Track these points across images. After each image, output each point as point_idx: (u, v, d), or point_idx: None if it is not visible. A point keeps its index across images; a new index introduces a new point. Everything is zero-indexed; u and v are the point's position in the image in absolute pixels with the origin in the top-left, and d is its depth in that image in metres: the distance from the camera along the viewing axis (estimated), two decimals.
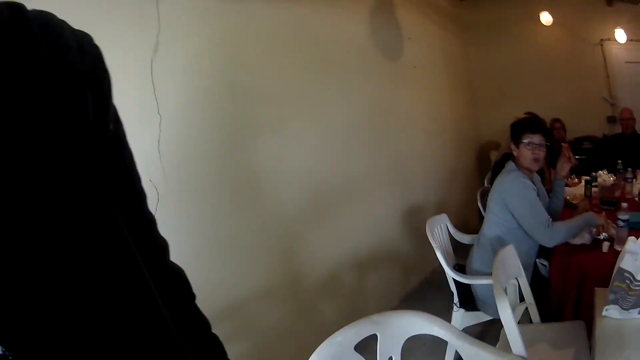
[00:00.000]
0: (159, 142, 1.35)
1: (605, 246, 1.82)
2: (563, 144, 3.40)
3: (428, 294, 2.98)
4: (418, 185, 3.19)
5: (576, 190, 3.01)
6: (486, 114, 4.46)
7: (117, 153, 0.43)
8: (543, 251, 2.04)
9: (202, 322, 0.57)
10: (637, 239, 1.37)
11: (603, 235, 1.87)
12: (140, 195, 0.48)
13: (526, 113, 3.17)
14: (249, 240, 1.73)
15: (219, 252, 1.60)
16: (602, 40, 3.82)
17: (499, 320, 1.42)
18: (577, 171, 3.48)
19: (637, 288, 1.24)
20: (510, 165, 2.04)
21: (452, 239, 2.41)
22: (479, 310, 2.06)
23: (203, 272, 1.40)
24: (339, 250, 2.32)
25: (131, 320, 0.40)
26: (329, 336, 0.99)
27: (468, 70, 4.37)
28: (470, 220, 3.80)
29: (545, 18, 3.70)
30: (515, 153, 2.02)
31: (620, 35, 3.59)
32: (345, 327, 1.02)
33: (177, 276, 0.55)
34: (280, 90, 1.90)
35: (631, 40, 3.63)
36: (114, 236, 0.40)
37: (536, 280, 2.00)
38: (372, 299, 2.65)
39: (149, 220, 0.50)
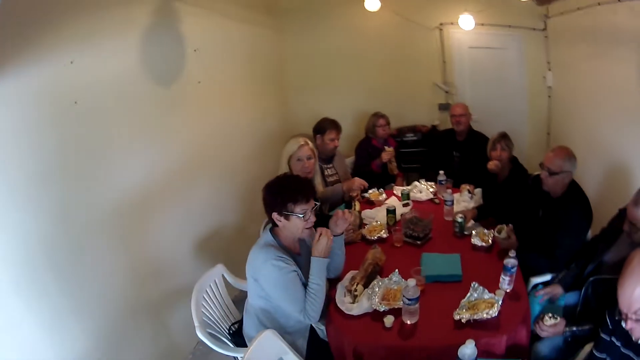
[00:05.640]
0: None
1: (389, 320, 1.56)
2: (387, 147, 2.98)
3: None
4: (209, 210, 2.60)
5: (378, 212, 2.41)
6: (297, 106, 3.86)
7: None
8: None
9: None
10: None
11: (383, 308, 1.61)
12: None
13: (323, 119, 2.70)
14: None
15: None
16: (442, 24, 3.48)
17: None
18: (400, 168, 3.15)
19: None
20: (267, 236, 1.65)
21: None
22: None
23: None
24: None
25: None
26: None
27: (280, 61, 3.74)
28: None
29: (372, 3, 3.12)
30: (279, 224, 1.61)
31: (467, 22, 3.14)
32: None
33: None
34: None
35: (482, 24, 3.25)
36: None
37: (317, 343, 1.74)
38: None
39: None
